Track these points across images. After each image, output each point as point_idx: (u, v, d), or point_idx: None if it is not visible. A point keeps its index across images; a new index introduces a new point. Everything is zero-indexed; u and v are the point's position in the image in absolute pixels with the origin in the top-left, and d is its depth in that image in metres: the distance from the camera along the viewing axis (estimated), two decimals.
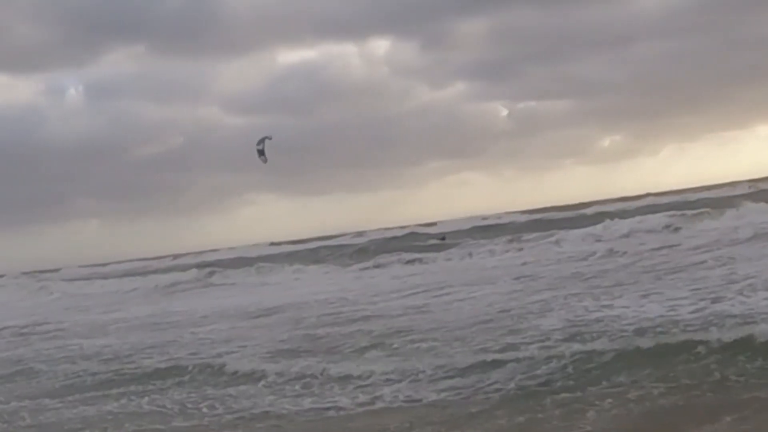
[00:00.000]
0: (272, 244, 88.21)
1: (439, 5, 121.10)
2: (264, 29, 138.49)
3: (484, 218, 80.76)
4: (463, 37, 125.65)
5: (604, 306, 18.66)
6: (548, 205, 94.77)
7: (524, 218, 70.85)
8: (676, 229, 38.77)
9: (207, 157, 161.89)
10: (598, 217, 48.58)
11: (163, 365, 17.36)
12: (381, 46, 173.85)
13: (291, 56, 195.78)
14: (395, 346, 16.72)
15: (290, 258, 55.18)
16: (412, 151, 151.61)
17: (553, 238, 40.87)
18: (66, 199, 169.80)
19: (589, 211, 66.87)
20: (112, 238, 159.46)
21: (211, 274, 46.44)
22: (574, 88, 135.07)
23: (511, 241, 42.84)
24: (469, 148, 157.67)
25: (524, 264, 32.49)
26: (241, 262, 58.63)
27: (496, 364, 13.75)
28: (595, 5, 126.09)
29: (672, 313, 16.72)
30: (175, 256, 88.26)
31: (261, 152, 25.59)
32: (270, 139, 25.74)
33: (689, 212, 43.48)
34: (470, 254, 40.54)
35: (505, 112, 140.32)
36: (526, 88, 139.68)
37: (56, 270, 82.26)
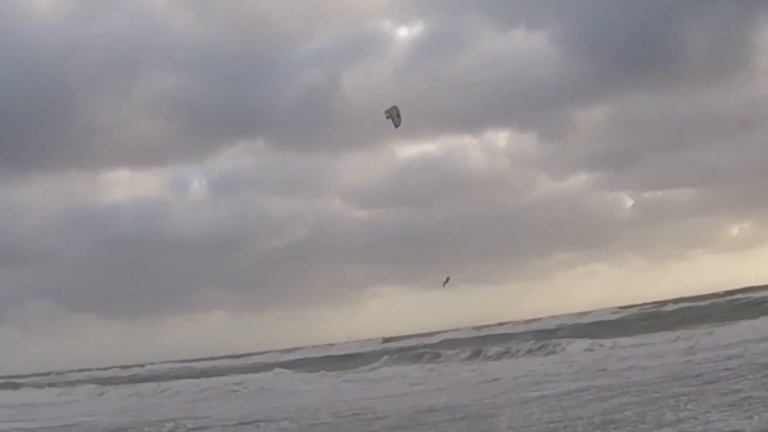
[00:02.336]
0: (386, 340, 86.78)
1: (555, 95, 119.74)
2: (382, 123, 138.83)
3: (614, 311, 77.85)
4: (582, 126, 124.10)
5: None
6: (679, 295, 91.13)
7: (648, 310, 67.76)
8: None
9: (331, 249, 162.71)
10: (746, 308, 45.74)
11: None
12: (500, 137, 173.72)
13: (411, 149, 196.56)
14: None
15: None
16: (537, 242, 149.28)
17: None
18: (194, 291, 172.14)
19: (723, 301, 63.64)
20: (239, 330, 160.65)
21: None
22: (699, 176, 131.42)
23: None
24: (595, 239, 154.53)
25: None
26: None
27: None
28: (715, 90, 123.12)
29: None
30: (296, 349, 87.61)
31: (390, 117, 24.98)
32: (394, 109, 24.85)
33: None
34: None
35: (630, 202, 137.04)
36: (650, 176, 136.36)
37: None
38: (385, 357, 58.91)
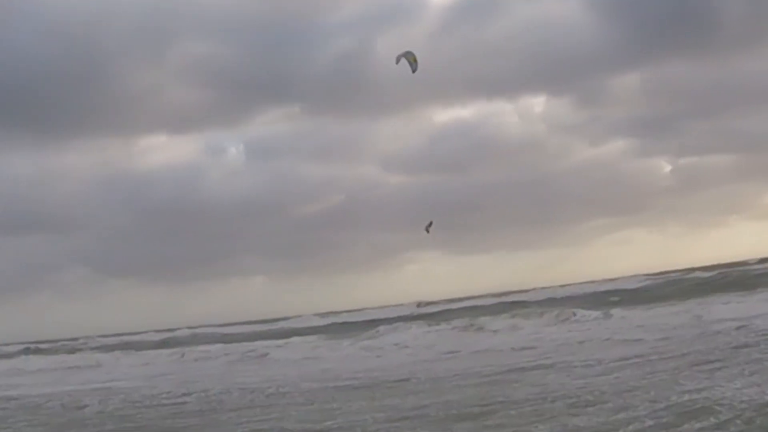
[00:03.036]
0: (420, 304, 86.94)
1: (591, 61, 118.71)
2: (417, 88, 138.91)
3: (648, 276, 77.68)
4: (619, 92, 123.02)
5: None
6: (716, 262, 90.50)
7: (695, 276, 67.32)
8: None
9: (367, 215, 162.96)
10: None
11: None
12: (535, 103, 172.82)
13: (446, 115, 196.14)
14: None
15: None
16: (573, 208, 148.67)
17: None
18: (230, 257, 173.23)
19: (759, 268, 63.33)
20: (277, 295, 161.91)
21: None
22: (736, 142, 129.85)
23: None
24: (632, 206, 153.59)
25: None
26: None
27: None
28: (752, 56, 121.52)
29: None
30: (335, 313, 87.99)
31: (408, 61, 24.85)
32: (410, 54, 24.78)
33: None
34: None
35: (667, 168, 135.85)
36: (687, 143, 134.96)
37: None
38: (418, 321, 59.31)
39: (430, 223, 28.29)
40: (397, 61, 24.89)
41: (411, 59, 24.66)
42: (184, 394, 25.63)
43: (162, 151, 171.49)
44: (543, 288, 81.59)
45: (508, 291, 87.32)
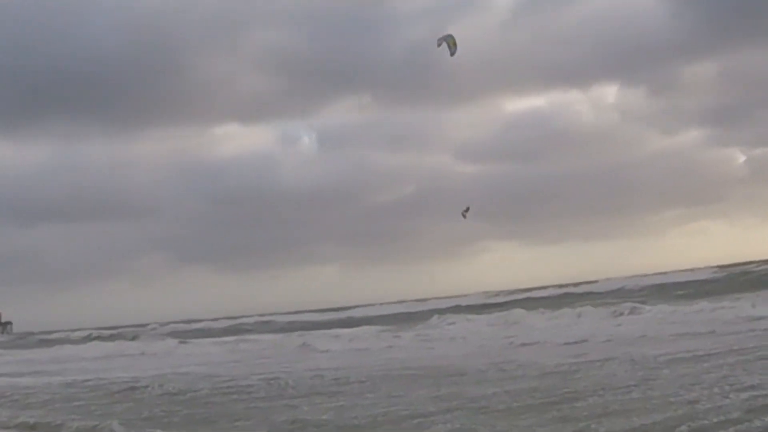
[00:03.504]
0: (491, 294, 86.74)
1: (664, 50, 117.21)
2: (489, 77, 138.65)
3: (721, 268, 76.51)
4: (693, 81, 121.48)
5: None
6: None
7: None
8: None
9: (440, 204, 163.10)
10: None
11: None
12: (608, 92, 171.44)
13: (518, 104, 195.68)
14: None
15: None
16: (646, 199, 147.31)
17: None
18: (303, 245, 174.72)
19: None
20: (349, 283, 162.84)
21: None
22: None
23: None
24: (706, 196, 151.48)
25: None
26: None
27: None
28: None
29: None
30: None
31: (447, 44, 25.04)
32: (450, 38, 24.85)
33: None
34: None
35: (741, 158, 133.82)
36: (761, 133, 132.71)
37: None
38: (488, 310, 59.25)
39: (467, 209, 28.25)
40: (439, 44, 24.94)
41: (451, 42, 24.65)
42: (249, 379, 25.82)
43: (235, 140, 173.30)
44: (614, 279, 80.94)
45: (579, 282, 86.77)
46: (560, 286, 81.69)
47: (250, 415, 17.63)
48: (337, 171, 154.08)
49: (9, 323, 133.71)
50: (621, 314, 38.40)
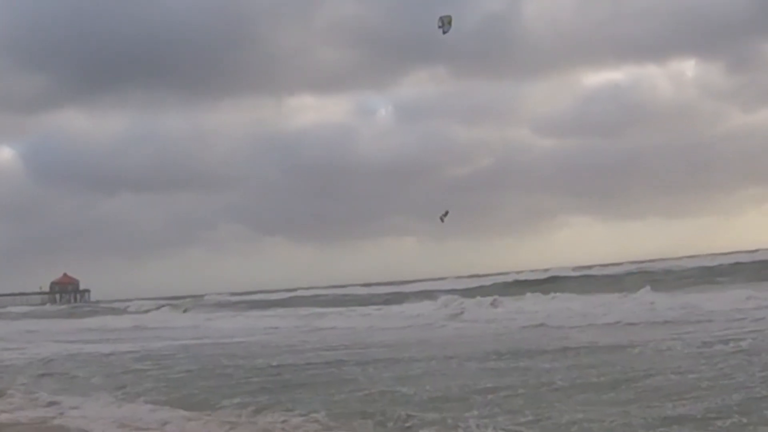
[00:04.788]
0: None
1: (743, 25, 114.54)
2: (566, 50, 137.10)
3: None
4: None
5: None
6: None
7: None
8: None
9: (518, 178, 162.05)
10: None
11: None
12: (686, 67, 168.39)
13: (595, 78, 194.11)
14: None
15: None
16: (727, 176, 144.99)
17: None
18: (380, 217, 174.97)
19: None
20: (428, 256, 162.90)
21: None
22: None
23: None
24: None
25: None
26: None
27: None
28: None
29: None
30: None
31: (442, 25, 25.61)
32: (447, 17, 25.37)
33: None
34: None
35: None
36: None
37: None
38: (565, 285, 58.33)
39: (446, 213, 28.08)
40: (440, 24, 25.48)
41: (447, 20, 24.82)
42: (311, 348, 26.33)
43: (312, 111, 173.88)
44: (693, 257, 79.23)
45: (656, 258, 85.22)
46: (638, 262, 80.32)
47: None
48: (414, 143, 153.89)
49: (87, 291, 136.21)
50: (697, 293, 37.24)
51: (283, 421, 13.58)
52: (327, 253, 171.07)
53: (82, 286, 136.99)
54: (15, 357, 28.50)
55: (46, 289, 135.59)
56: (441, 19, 25.18)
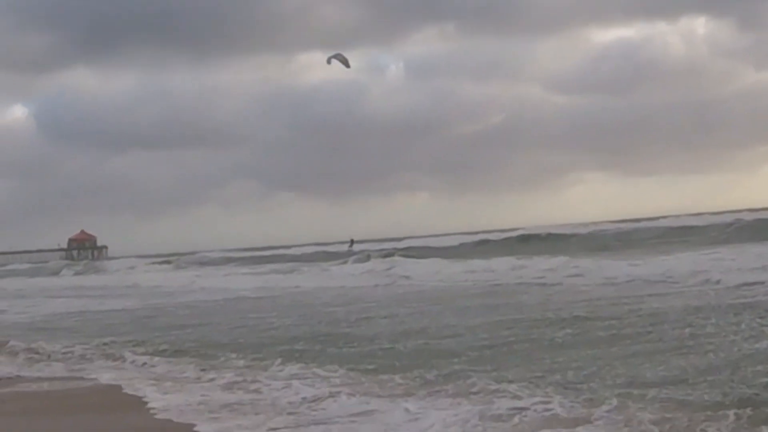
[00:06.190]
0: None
1: None
2: (576, 7, 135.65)
3: None
4: None
5: None
6: None
7: None
8: None
9: (529, 135, 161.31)
10: None
11: None
12: (697, 25, 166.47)
13: (605, 35, 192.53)
14: None
15: None
16: (739, 134, 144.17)
17: None
18: (391, 173, 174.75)
19: None
20: (440, 212, 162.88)
21: None
22: None
23: None
24: None
25: None
26: None
27: None
28: None
29: None
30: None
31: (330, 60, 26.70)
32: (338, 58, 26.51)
33: None
34: None
35: None
36: None
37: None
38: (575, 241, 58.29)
39: (352, 242, 28.57)
40: (329, 62, 26.53)
41: (341, 60, 26.42)
42: (329, 304, 26.88)
43: (321, 69, 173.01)
44: (705, 214, 79.15)
45: (669, 215, 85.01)
46: (651, 219, 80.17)
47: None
48: (424, 100, 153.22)
49: (104, 247, 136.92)
50: (710, 252, 36.76)
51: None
52: (340, 208, 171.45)
53: (99, 243, 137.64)
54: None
55: (64, 246, 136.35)
56: (335, 58, 26.45)
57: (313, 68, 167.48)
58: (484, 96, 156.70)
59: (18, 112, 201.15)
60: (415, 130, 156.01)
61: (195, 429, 10.30)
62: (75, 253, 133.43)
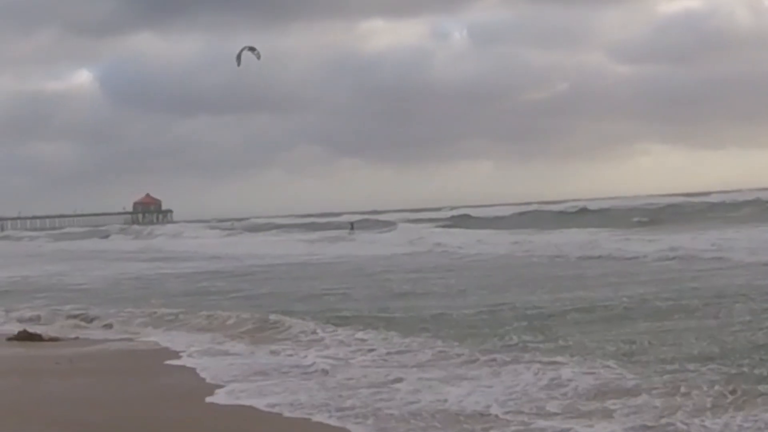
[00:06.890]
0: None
1: None
2: None
3: None
4: None
5: None
6: None
7: None
8: None
9: (594, 103, 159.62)
10: None
11: None
12: None
13: (671, 4, 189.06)
14: None
15: None
16: None
17: None
18: (456, 140, 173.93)
19: None
20: (505, 180, 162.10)
21: None
22: None
23: None
24: None
25: None
26: None
27: None
28: None
29: None
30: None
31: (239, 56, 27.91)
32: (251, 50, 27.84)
33: None
34: None
35: None
36: None
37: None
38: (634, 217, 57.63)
39: (352, 226, 28.41)
40: (239, 63, 28.29)
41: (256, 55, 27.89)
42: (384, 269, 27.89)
43: (384, 35, 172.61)
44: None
45: (737, 189, 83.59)
46: (719, 192, 79.00)
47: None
48: (488, 67, 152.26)
49: (169, 211, 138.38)
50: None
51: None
52: (405, 175, 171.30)
53: (164, 207, 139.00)
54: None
55: (129, 209, 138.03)
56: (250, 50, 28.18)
57: (377, 34, 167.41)
58: (548, 63, 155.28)
59: (83, 76, 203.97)
60: (478, 97, 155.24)
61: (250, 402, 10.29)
62: (140, 216, 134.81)
